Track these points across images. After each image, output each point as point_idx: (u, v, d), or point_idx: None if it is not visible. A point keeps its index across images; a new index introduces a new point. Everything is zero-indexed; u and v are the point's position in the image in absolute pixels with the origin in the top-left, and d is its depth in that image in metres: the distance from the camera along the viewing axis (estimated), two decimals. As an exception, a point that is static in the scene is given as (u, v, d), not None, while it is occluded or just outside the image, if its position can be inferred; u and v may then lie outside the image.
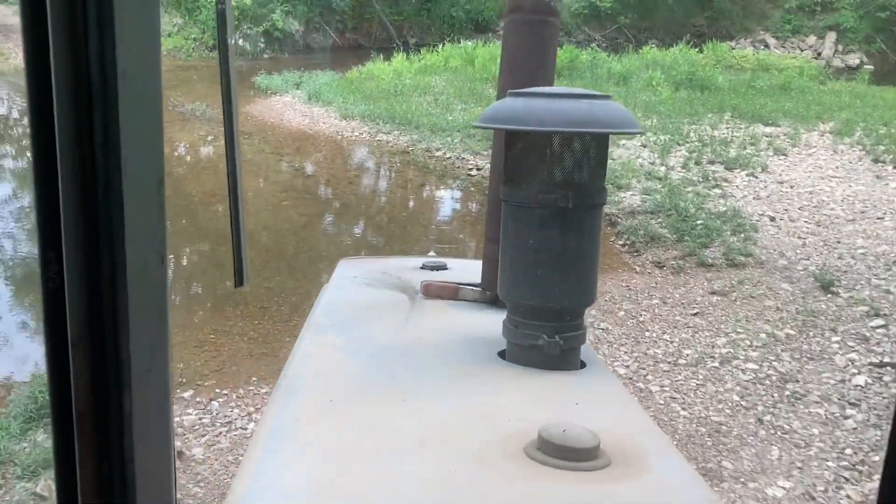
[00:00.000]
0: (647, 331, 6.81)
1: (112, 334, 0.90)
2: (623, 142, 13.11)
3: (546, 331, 2.26)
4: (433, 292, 2.57)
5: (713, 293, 7.53)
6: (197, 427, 5.03)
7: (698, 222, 9.36)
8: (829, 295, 7.32)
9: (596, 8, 33.55)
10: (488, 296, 2.52)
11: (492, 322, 2.38)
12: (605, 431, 1.85)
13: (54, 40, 0.80)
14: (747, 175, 11.64)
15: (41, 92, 0.82)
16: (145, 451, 0.94)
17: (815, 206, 10.18)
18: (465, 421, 1.97)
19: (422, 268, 3.00)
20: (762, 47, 33.06)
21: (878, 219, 9.59)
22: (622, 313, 7.16)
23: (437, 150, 13.82)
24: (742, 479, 4.67)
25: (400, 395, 2.09)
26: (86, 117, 0.83)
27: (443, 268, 2.97)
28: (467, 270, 2.89)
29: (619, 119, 2.24)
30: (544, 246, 2.24)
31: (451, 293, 2.54)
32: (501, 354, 2.31)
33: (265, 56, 28.05)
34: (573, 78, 19.62)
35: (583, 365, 2.30)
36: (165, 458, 0.98)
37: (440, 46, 23.68)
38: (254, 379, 5.75)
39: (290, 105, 17.97)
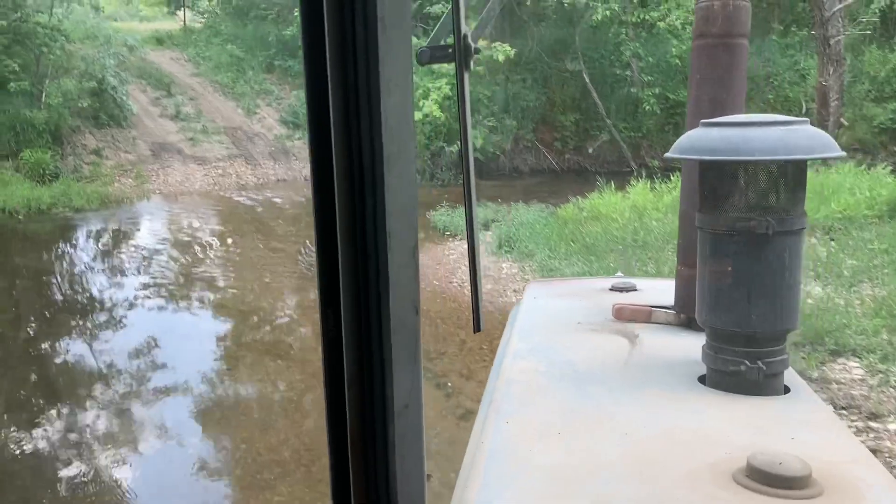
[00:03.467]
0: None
1: (380, 376, 1.08)
2: None
3: (747, 356, 2.32)
4: (626, 316, 2.67)
5: None
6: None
7: None
8: None
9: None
10: (682, 319, 2.60)
11: (688, 345, 2.45)
12: (815, 459, 1.89)
13: (335, 138, 1.00)
14: None
15: (323, 180, 1.02)
16: (403, 473, 1.12)
17: None
18: (672, 446, 2.06)
19: (611, 289, 3.09)
20: None
21: None
22: None
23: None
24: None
25: (606, 420, 2.20)
26: (360, 198, 1.03)
27: (632, 289, 3.05)
28: (657, 291, 2.96)
29: (816, 144, 2.27)
30: (743, 272, 2.30)
31: (644, 316, 2.63)
32: (701, 379, 2.39)
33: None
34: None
35: (787, 390, 2.36)
36: (419, 479, 1.16)
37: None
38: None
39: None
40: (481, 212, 15.84)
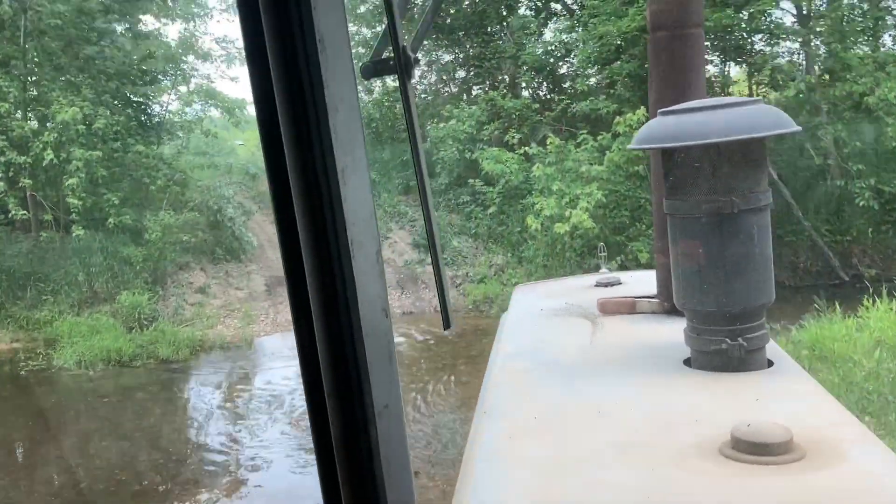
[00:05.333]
0: None
1: (357, 380, 1.15)
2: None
3: (728, 334, 2.44)
4: (611, 308, 2.78)
5: None
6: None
7: None
8: None
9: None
10: (665, 306, 2.72)
11: (673, 331, 2.57)
12: (798, 426, 1.98)
13: (289, 158, 1.11)
14: None
15: (282, 198, 1.12)
16: (389, 471, 1.19)
17: None
18: (659, 428, 2.16)
19: (595, 285, 3.20)
20: None
21: None
22: None
23: None
24: None
25: (594, 410, 2.29)
26: (319, 212, 1.12)
27: (616, 283, 3.18)
28: (641, 283, 3.07)
29: (771, 121, 2.38)
30: (715, 252, 2.43)
31: (628, 308, 2.75)
32: (687, 362, 2.48)
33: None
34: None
35: (770, 364, 2.43)
36: (407, 477, 1.23)
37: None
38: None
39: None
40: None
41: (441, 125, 23.70)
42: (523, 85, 26.01)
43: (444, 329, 1.58)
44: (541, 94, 26.10)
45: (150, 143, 22.66)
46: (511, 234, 21.53)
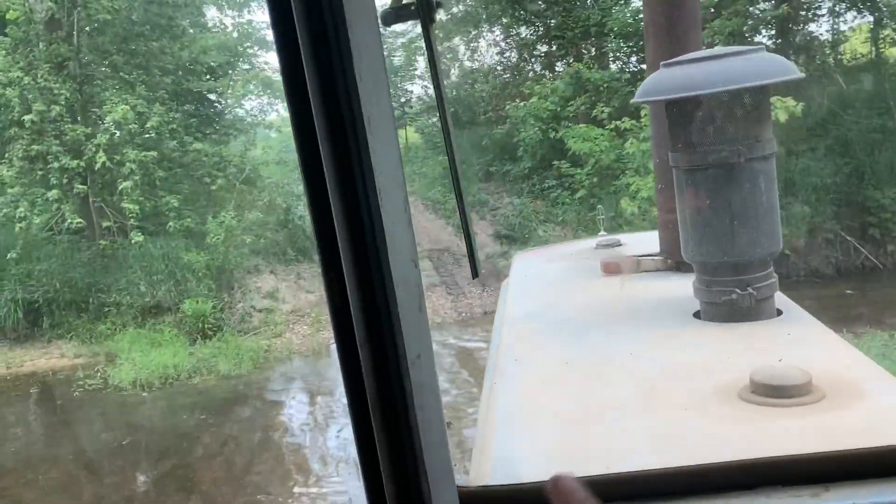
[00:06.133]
0: None
1: (389, 332, 1.24)
2: None
3: (738, 284, 2.66)
4: (613, 269, 3.00)
5: None
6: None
7: None
8: None
9: None
10: (669, 263, 2.94)
11: (680, 286, 2.80)
12: (815, 369, 2.18)
13: (313, 100, 1.18)
14: None
15: (307, 144, 1.20)
16: (424, 421, 1.29)
17: None
18: (676, 378, 2.39)
19: (596, 248, 3.41)
20: None
21: None
22: None
23: None
24: None
25: (610, 364, 2.54)
26: (346, 158, 1.19)
27: (617, 244, 3.40)
28: (641, 242, 3.27)
29: (773, 69, 2.59)
30: (721, 203, 2.65)
31: (632, 266, 2.97)
32: (696, 315, 2.71)
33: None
34: None
35: (779, 313, 2.63)
36: (440, 427, 1.34)
37: None
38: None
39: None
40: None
41: (521, 104, 23.49)
42: (610, 56, 25.13)
43: (473, 277, 1.78)
44: (632, 62, 24.72)
45: (211, 141, 22.95)
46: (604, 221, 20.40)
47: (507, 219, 23.85)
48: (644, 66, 23.07)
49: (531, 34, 27.14)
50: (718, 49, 2.66)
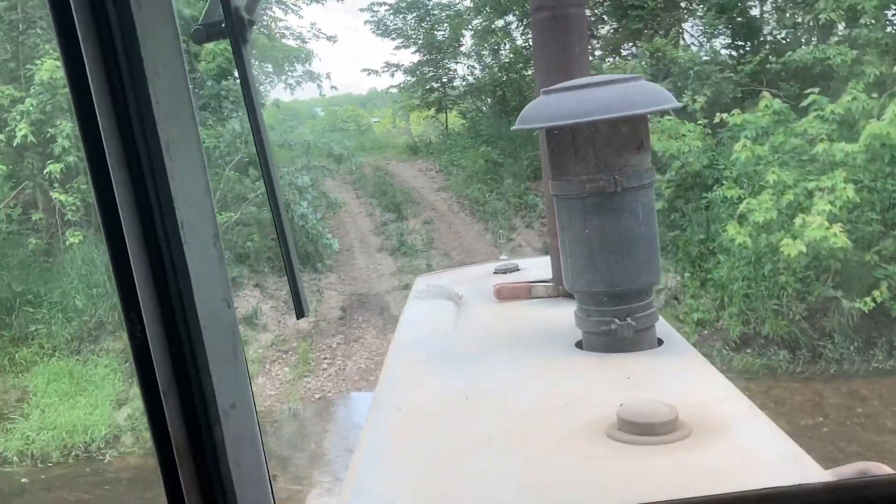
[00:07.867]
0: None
1: (196, 378, 1.16)
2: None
3: (617, 314, 2.66)
4: (507, 294, 3.00)
5: None
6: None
7: None
8: None
9: None
10: (561, 290, 2.94)
11: (567, 314, 2.81)
12: (686, 403, 2.17)
13: (104, 129, 1.09)
14: None
15: (100, 173, 1.10)
16: (241, 476, 1.20)
17: None
18: (548, 413, 2.38)
19: (494, 272, 3.42)
20: None
21: None
22: None
23: None
24: None
25: (485, 397, 2.52)
26: (141, 189, 1.10)
27: (515, 269, 3.42)
28: (539, 268, 3.28)
29: (651, 98, 2.58)
30: (599, 232, 2.65)
31: (524, 293, 2.97)
32: (578, 344, 2.69)
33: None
34: None
35: (660, 342, 2.64)
36: (262, 481, 1.24)
37: None
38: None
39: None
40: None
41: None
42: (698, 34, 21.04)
43: (298, 318, 1.70)
44: (727, 44, 20.75)
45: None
46: (690, 243, 16.26)
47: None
48: (743, 42, 20.16)
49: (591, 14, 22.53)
50: (597, 77, 2.66)
